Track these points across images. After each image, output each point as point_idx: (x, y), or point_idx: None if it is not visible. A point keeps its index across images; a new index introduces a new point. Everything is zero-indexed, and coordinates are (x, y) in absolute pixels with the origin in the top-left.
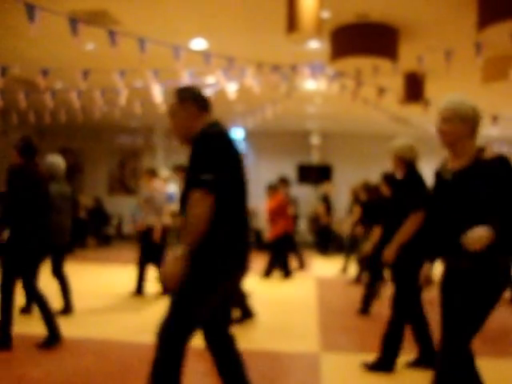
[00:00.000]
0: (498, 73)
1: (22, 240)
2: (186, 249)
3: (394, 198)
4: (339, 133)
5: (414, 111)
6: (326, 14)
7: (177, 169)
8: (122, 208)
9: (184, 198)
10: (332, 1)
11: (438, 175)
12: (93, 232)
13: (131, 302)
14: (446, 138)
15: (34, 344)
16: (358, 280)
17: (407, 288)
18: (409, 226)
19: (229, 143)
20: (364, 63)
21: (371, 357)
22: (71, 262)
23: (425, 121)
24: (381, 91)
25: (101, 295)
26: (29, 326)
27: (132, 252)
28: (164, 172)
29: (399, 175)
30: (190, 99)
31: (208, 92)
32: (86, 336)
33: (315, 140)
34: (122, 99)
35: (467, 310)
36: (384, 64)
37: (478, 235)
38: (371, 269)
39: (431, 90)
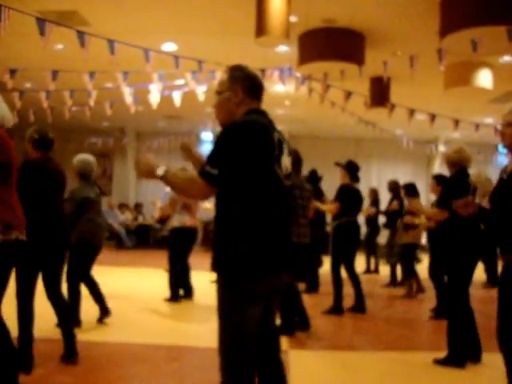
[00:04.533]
0: (459, 78)
1: (42, 242)
2: (164, 173)
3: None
4: (308, 135)
5: (380, 115)
6: (294, 19)
7: None
8: None
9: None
10: (300, 6)
11: (500, 175)
12: None
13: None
14: (507, 141)
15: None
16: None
17: (462, 286)
18: None
19: (259, 136)
20: (331, 67)
21: (340, 354)
22: None
23: (391, 124)
24: (348, 95)
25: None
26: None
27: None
28: None
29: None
30: (241, 80)
31: (177, 94)
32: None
33: None
34: (92, 100)
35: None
36: (351, 68)
37: None
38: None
39: (396, 94)
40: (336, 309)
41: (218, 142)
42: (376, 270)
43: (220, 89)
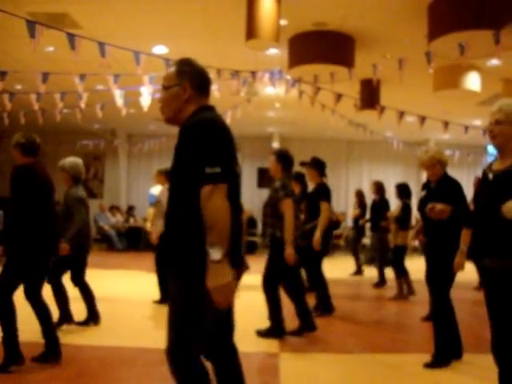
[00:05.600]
0: (447, 81)
1: (32, 247)
2: (223, 250)
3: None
4: (298, 137)
5: (370, 117)
6: (284, 22)
7: (160, 173)
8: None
9: (170, 195)
10: (290, 9)
11: (484, 175)
12: None
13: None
14: (496, 140)
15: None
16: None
17: (446, 286)
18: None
19: (228, 133)
20: (321, 70)
21: (332, 357)
22: None
23: (381, 126)
24: (338, 97)
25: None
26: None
27: (98, 255)
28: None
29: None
30: (190, 76)
31: None
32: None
33: (276, 144)
34: (83, 103)
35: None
36: (341, 71)
37: None
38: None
39: (386, 96)
40: (325, 309)
41: (192, 142)
42: (360, 272)
43: (167, 83)
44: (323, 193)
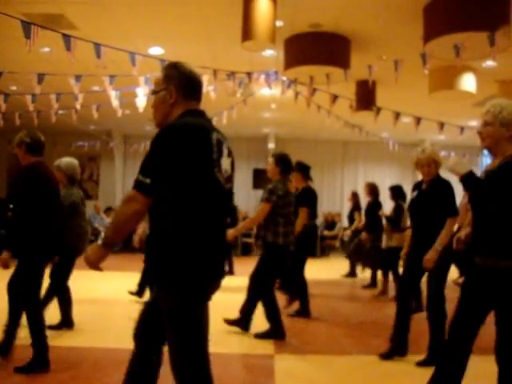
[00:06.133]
0: (443, 82)
1: (37, 246)
2: (105, 241)
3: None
4: (294, 138)
5: (366, 118)
6: (280, 24)
7: None
8: None
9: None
10: (286, 11)
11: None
12: None
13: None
14: (485, 142)
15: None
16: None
17: (442, 287)
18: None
19: (193, 138)
20: (317, 71)
21: (326, 358)
22: None
23: (377, 127)
24: (334, 98)
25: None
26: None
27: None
28: None
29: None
30: (175, 80)
31: None
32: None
33: (272, 145)
34: (78, 104)
35: None
36: (336, 72)
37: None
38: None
39: (382, 97)
40: (303, 311)
41: (151, 148)
42: (354, 274)
43: (156, 88)
44: (304, 197)
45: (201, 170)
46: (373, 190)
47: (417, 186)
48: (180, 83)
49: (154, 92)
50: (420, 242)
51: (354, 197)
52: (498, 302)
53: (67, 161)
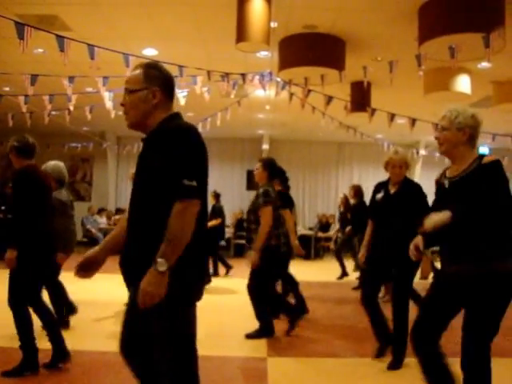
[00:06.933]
0: (438, 83)
1: (35, 250)
2: (169, 265)
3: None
4: (289, 140)
5: (361, 119)
6: (274, 25)
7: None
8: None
9: (135, 204)
10: (281, 12)
11: (438, 182)
12: None
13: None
14: (442, 147)
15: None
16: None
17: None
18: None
19: (204, 143)
20: (312, 73)
21: (320, 361)
22: None
23: (371, 128)
24: (328, 100)
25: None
26: None
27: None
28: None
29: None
30: (160, 81)
31: None
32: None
33: (266, 146)
34: (72, 105)
35: (492, 313)
36: (331, 74)
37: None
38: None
39: (377, 99)
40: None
41: (182, 149)
42: (345, 273)
43: (133, 86)
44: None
45: (206, 178)
46: (357, 191)
47: (381, 187)
48: (163, 84)
49: (133, 91)
50: (388, 242)
51: (347, 200)
52: (467, 304)
53: (53, 164)
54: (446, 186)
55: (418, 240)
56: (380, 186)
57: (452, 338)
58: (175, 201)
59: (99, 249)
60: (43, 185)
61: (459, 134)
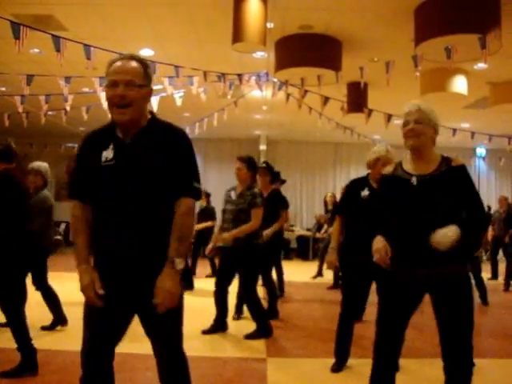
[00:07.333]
0: (435, 84)
1: (14, 251)
2: (184, 262)
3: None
4: (286, 140)
5: (357, 120)
6: (271, 25)
7: None
8: (69, 214)
9: (134, 202)
10: (277, 13)
11: (395, 177)
12: None
13: None
14: (419, 140)
15: None
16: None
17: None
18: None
19: None
20: (308, 73)
21: (319, 361)
22: None
23: (368, 129)
24: (325, 100)
25: None
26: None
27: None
28: None
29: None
30: (150, 80)
31: (154, 99)
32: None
33: (263, 147)
34: (68, 105)
35: (468, 314)
36: (328, 74)
37: (445, 235)
38: None
39: (373, 99)
40: (273, 312)
41: (190, 152)
42: (320, 274)
43: (140, 81)
44: (283, 200)
45: None
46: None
47: (363, 185)
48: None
49: (141, 85)
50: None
51: (335, 199)
52: (450, 306)
53: (45, 165)
54: (415, 183)
55: (385, 243)
56: (358, 183)
57: (429, 339)
58: (177, 200)
59: (88, 268)
60: (23, 189)
61: (431, 131)
